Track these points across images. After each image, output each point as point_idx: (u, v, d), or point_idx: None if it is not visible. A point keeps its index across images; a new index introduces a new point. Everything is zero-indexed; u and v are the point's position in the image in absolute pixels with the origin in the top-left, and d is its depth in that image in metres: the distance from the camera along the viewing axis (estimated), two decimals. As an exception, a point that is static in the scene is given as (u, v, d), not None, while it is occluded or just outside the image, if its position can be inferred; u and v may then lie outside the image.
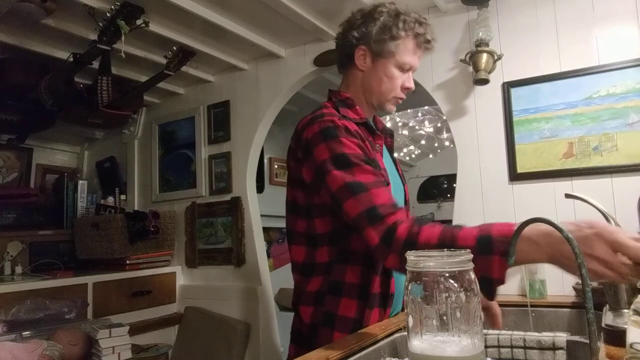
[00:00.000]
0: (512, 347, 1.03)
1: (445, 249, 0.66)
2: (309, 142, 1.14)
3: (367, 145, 1.16)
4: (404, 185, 1.39)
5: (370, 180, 1.06)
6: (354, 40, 1.26)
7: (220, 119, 2.56)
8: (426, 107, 4.06)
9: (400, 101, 1.31)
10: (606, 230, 0.76)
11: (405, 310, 0.72)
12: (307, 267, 1.22)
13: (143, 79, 2.36)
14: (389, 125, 3.51)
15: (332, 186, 1.07)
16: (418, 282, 0.68)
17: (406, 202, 1.39)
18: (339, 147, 1.09)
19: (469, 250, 0.66)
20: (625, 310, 0.87)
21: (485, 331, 1.03)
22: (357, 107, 1.26)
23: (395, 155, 1.49)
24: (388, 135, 1.42)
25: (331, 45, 2.21)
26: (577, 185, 1.66)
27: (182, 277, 2.61)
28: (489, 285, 0.85)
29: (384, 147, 1.38)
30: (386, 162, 1.32)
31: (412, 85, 1.28)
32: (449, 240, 0.91)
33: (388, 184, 1.14)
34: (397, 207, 1.04)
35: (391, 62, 1.24)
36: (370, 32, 1.23)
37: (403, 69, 1.25)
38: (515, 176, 1.77)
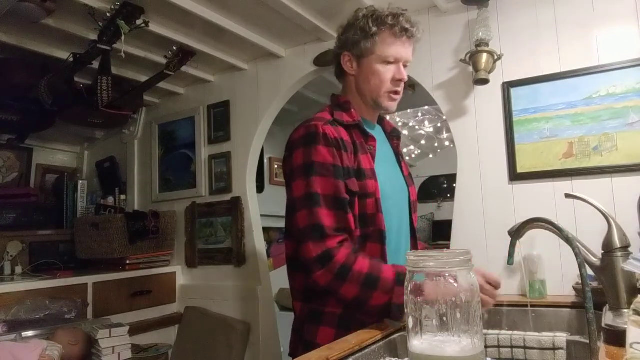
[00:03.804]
0: (512, 347, 1.03)
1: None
2: (293, 143, 1.22)
3: (349, 148, 1.20)
4: (408, 186, 1.40)
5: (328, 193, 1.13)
6: (338, 49, 1.34)
7: (220, 119, 2.55)
8: (426, 107, 4.06)
9: (397, 96, 1.30)
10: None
11: (405, 310, 0.72)
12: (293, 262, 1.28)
13: (143, 79, 2.36)
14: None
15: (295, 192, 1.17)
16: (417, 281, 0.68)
17: (411, 203, 1.40)
18: (313, 155, 1.15)
19: (468, 250, 0.66)
20: (625, 310, 0.87)
21: (485, 331, 1.03)
22: (353, 111, 1.29)
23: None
24: (394, 138, 1.44)
25: (331, 45, 2.21)
26: (577, 185, 1.66)
27: (182, 277, 2.61)
28: (401, 309, 0.97)
29: (391, 149, 1.41)
30: (386, 162, 1.34)
31: (403, 76, 1.28)
32: (376, 272, 1.08)
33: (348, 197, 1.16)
34: (343, 230, 1.13)
35: (373, 59, 1.26)
36: (349, 37, 1.29)
37: (388, 62, 1.26)
38: (515, 176, 1.77)
